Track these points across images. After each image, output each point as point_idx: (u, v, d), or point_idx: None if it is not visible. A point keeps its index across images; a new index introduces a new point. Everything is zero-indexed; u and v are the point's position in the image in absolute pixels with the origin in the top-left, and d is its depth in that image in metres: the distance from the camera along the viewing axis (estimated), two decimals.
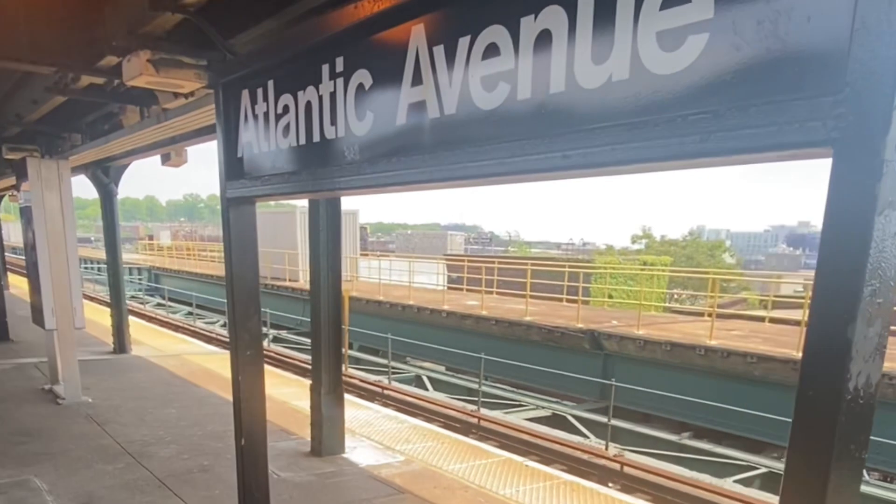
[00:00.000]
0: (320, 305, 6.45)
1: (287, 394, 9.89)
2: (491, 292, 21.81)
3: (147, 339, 14.23)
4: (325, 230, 6.05)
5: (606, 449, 12.60)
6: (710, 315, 20.47)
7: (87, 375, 9.31)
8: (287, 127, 3.30)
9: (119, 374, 10.56)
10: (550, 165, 2.01)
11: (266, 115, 3.44)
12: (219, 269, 33.81)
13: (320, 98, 3.03)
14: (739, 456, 12.62)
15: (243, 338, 4.36)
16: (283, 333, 24.00)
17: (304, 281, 26.62)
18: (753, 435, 13.29)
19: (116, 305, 12.24)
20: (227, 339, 17.75)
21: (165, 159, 9.11)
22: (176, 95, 4.89)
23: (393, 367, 18.37)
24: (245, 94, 3.59)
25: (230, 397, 9.21)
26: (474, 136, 2.29)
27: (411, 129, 2.56)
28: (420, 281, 23.99)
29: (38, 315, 8.34)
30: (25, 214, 8.41)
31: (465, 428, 13.86)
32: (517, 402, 16.29)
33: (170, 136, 7.67)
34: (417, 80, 2.49)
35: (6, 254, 29.18)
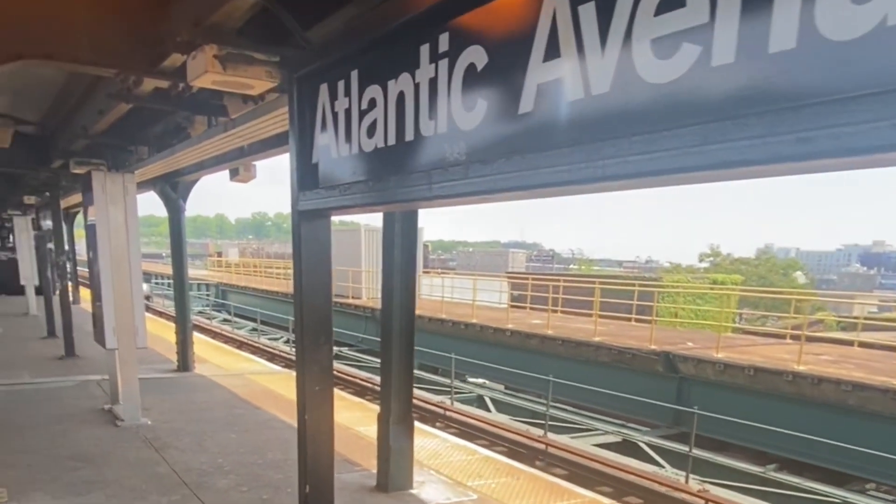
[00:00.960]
0: (392, 327, 5.93)
1: (350, 418, 9.41)
2: (556, 311, 21.03)
3: (211, 357, 14.07)
4: (400, 247, 5.56)
5: (686, 482, 11.64)
6: (790, 337, 19.18)
7: (148, 395, 9.07)
8: (373, 125, 2.79)
9: (180, 394, 10.32)
10: (775, 154, 1.40)
11: (348, 112, 2.94)
12: (283, 286, 34.21)
13: (416, 87, 2.51)
14: (834, 493, 11.46)
15: (312, 370, 3.85)
16: (345, 350, 23.89)
17: (366, 298, 27.02)
18: (840, 467, 12.25)
19: (181, 322, 12.06)
20: (291, 357, 17.64)
21: (234, 174, 8.86)
22: (245, 101, 4.50)
23: (447, 386, 17.93)
24: (323, 88, 3.11)
25: (292, 421, 8.78)
26: (638, 120, 1.70)
27: (542, 118, 1.99)
28: (482, 299, 23.50)
29: (99, 334, 8.12)
30: (90, 232, 8.25)
31: (531, 454, 13.13)
32: (583, 426, 15.43)
33: (238, 147, 7.36)
34: (553, 52, 1.93)
35: (79, 268, 30.10)
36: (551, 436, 13.67)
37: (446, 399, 16.56)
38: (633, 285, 23.58)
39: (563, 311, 22.22)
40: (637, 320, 20.95)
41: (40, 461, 7.06)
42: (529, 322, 20.25)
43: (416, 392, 17.40)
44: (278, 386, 11.44)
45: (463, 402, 17.31)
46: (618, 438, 14.77)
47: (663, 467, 13.11)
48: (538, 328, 18.86)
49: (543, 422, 14.07)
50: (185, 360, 12.13)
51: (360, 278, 27.70)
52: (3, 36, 3.85)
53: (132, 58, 4.08)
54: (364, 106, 2.83)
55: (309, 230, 3.48)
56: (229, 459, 7.44)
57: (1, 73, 7.29)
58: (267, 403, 10.03)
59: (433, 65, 2.39)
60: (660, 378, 15.76)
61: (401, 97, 2.60)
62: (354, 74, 2.87)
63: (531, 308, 23.67)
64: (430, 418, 15.31)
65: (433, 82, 2.41)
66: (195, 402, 9.84)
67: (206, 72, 3.42)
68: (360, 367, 21.52)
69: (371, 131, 2.80)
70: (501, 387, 19.46)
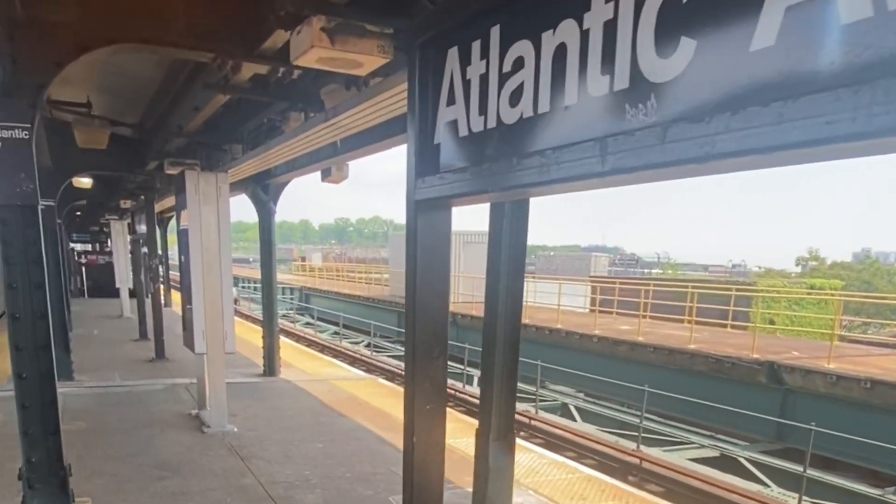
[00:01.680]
0: (495, 336, 5.40)
1: None
2: (644, 316, 20.03)
3: (295, 361, 14.01)
4: (509, 246, 5.05)
5: None
6: None
7: (234, 400, 8.95)
8: (519, 89, 2.30)
9: (266, 400, 10.20)
10: None
11: (484, 77, 2.47)
12: (364, 290, 34.50)
13: (584, 35, 2.00)
14: None
15: (423, 386, 3.39)
16: None
17: (452, 303, 26.76)
18: None
19: (268, 326, 12.00)
20: (372, 362, 17.42)
21: (325, 175, 8.65)
22: (347, 86, 4.13)
23: (531, 393, 17.43)
24: (452, 53, 2.64)
25: (379, 431, 8.43)
26: None
27: (792, 53, 1.44)
28: (565, 304, 22.79)
29: (188, 337, 8.04)
30: (183, 237, 8.18)
31: (623, 468, 12.39)
32: (677, 439, 14.48)
33: (331, 144, 7.03)
34: None
35: (171, 273, 31.16)
36: (643, 449, 12.87)
37: (530, 407, 15.97)
38: (730, 289, 22.20)
39: (651, 317, 21.17)
40: (733, 327, 19.71)
41: (126, 470, 6.96)
42: (617, 328, 19.35)
43: None
44: (362, 392, 11.19)
45: (547, 410, 16.67)
46: (715, 453, 13.78)
47: (768, 486, 12.11)
48: (627, 334, 17.95)
49: (635, 433, 13.27)
50: (271, 364, 12.07)
51: None
52: (97, 21, 3.63)
53: (231, 41, 3.78)
54: (507, 68, 2.34)
55: (426, 223, 3.03)
56: (316, 472, 7.13)
57: (100, 72, 7.31)
58: (352, 411, 9.76)
59: (611, 3, 1.89)
60: (762, 389, 14.63)
61: (560, 51, 2.10)
62: (495, 31, 2.39)
63: (617, 313, 22.73)
64: (514, 427, 14.73)
65: (610, 25, 1.90)
66: (281, 409, 9.68)
67: (311, 47, 3.04)
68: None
69: (515, 98, 2.31)
70: (582, 395, 18.72)
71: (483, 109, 2.48)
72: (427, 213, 3.04)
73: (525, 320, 20.82)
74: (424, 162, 2.92)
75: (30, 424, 4.24)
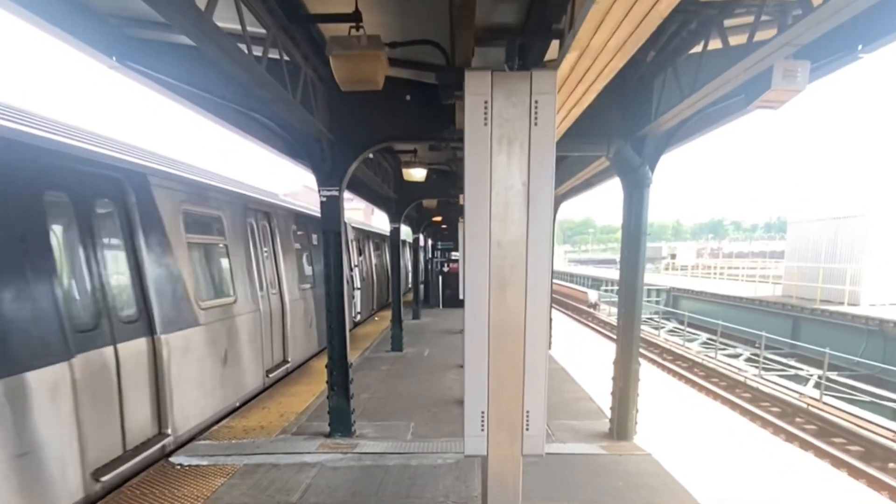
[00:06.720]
0: None
1: None
2: None
3: (658, 402, 9.11)
4: None
5: None
6: None
7: (558, 495, 4.67)
8: None
9: (613, 500, 5.59)
10: None
11: None
12: (748, 290, 27.77)
13: None
14: None
15: None
16: (833, 377, 16.22)
17: (866, 304, 20.46)
18: None
19: (623, 362, 7.38)
20: (761, 387, 9.69)
21: (758, 92, 4.18)
22: None
23: None
24: None
25: None
26: None
27: None
28: None
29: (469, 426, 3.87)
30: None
31: None
32: None
33: None
34: None
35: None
36: None
37: None
38: None
39: None
40: None
41: None
42: None
43: None
44: (799, 483, 5.89)
45: None
46: None
47: None
48: None
49: None
50: (622, 422, 7.35)
51: (860, 278, 20.72)
52: None
53: None
54: None
55: None
56: None
57: None
58: None
59: None
60: None
61: None
62: None
63: None
64: None
65: None
66: None
67: None
68: (852, 402, 14.18)
69: None
70: None
71: None
72: None
73: None
74: None
75: None
